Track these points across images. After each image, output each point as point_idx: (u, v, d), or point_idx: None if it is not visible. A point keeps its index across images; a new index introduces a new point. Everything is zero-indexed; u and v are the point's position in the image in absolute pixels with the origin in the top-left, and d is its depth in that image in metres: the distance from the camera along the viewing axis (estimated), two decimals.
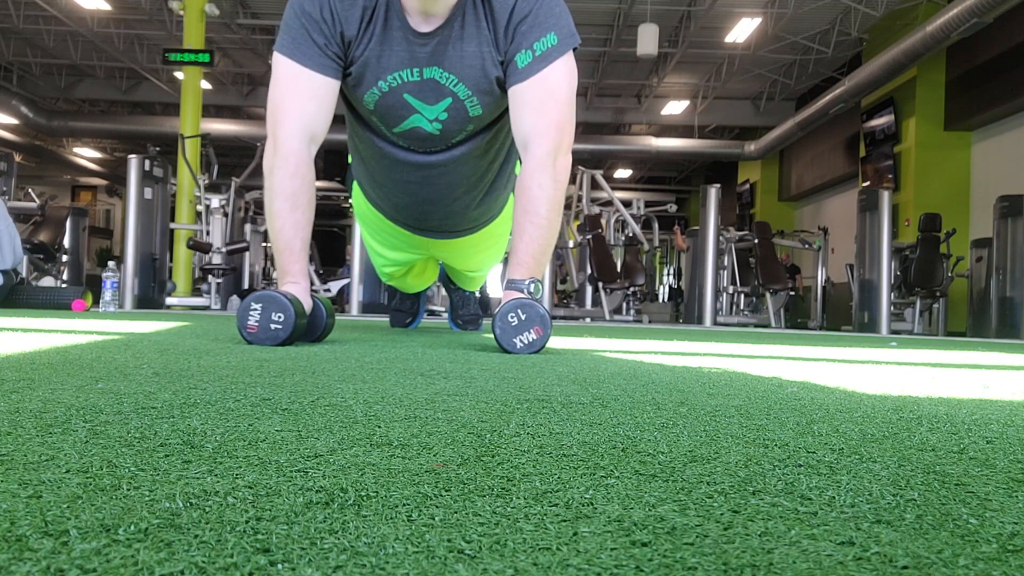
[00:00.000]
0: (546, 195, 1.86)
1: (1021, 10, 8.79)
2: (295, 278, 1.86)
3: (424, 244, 2.58)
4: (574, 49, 1.91)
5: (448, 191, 2.23)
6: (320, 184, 15.44)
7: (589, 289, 9.64)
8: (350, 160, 2.47)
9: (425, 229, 2.46)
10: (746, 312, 10.09)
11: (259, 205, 8.98)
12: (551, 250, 1.98)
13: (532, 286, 1.85)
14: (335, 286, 8.69)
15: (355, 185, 2.52)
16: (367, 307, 7.36)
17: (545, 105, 1.86)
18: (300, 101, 1.85)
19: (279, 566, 0.34)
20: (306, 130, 1.86)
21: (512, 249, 1.91)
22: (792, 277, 11.36)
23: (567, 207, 10.37)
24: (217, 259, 7.78)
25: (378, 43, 1.86)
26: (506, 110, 2.05)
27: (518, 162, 2.46)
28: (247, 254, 8.49)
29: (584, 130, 16.55)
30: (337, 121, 1.97)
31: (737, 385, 1.21)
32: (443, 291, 6.93)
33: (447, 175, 2.16)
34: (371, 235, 2.64)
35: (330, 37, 1.84)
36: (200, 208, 8.26)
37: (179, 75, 12.12)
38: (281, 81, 1.87)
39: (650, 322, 9.68)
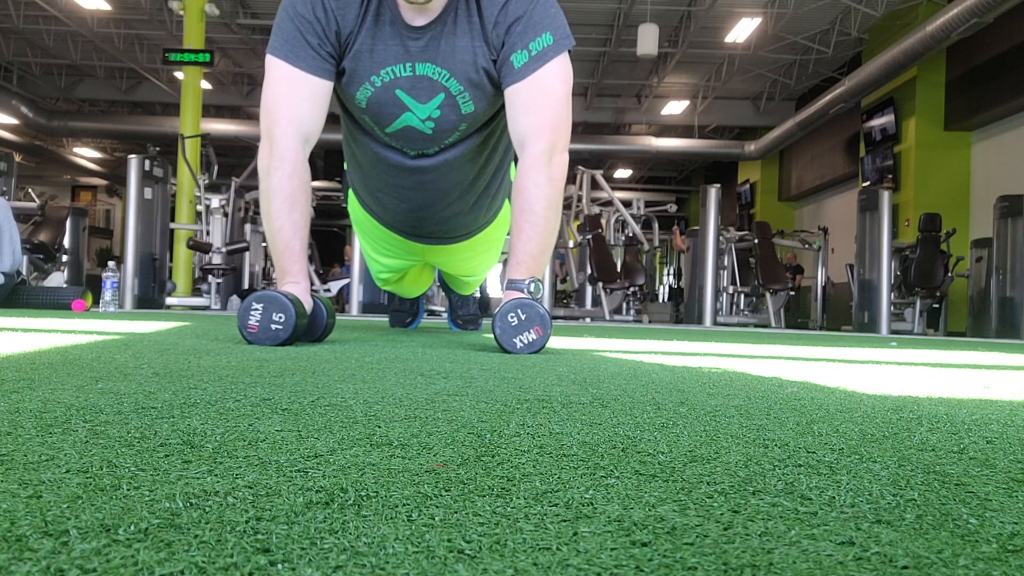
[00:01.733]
0: (542, 194, 1.86)
1: (1021, 10, 8.79)
2: (295, 278, 1.86)
3: (419, 250, 2.57)
4: (568, 51, 1.91)
5: (442, 196, 2.23)
6: (320, 184, 15.45)
7: (589, 289, 9.64)
8: (346, 167, 2.46)
9: (420, 235, 2.45)
10: (746, 312, 10.09)
11: (259, 205, 8.97)
12: (551, 249, 1.97)
13: (532, 286, 1.85)
14: (335, 286, 8.69)
15: (351, 193, 2.52)
16: (367, 307, 7.36)
17: (541, 104, 1.87)
18: (294, 102, 1.85)
19: (279, 566, 0.34)
20: (300, 131, 1.86)
21: (511, 249, 1.91)
22: (793, 277, 11.37)
23: (567, 207, 10.37)
24: (217, 259, 7.78)
25: (371, 37, 1.86)
26: (498, 112, 2.05)
27: (513, 166, 2.46)
28: (247, 254, 8.48)
29: (584, 130, 16.55)
30: (335, 121, 1.97)
31: (737, 385, 1.21)
32: (443, 291, 6.94)
33: (440, 179, 2.16)
34: (367, 242, 2.64)
35: (323, 37, 1.83)
36: (200, 208, 8.26)
37: (179, 75, 12.11)
38: (274, 83, 1.86)
39: (650, 322, 9.68)
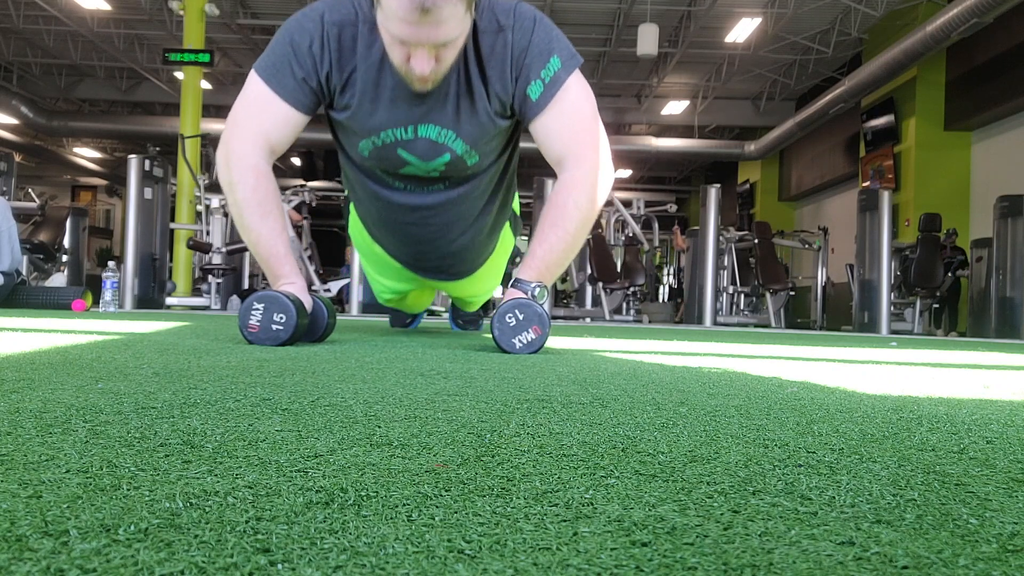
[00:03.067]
0: (581, 215, 1.84)
1: (1021, 10, 8.79)
2: (290, 278, 1.85)
3: (422, 281, 2.51)
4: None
5: (445, 231, 2.16)
6: (320, 184, 15.46)
7: (589, 289, 9.64)
8: (346, 192, 2.39)
9: (424, 269, 2.38)
10: (746, 312, 10.09)
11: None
12: (567, 264, 1.94)
13: (537, 290, 1.83)
14: (335, 286, 8.69)
15: (352, 214, 2.44)
16: (367, 307, 7.36)
17: (572, 128, 1.84)
18: (262, 122, 1.82)
19: (279, 566, 0.34)
20: (264, 146, 1.83)
21: (529, 251, 1.88)
22: None
23: None
24: (217, 259, 7.78)
25: (369, 100, 1.81)
26: (506, 147, 2.02)
27: (516, 196, 2.42)
28: (247, 254, 8.48)
29: None
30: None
31: (737, 385, 1.21)
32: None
33: (444, 214, 2.10)
34: (369, 264, 2.57)
35: (311, 73, 1.79)
36: (200, 208, 8.26)
37: (179, 75, 12.11)
38: (249, 99, 1.83)
39: (650, 322, 9.68)
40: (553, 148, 1.86)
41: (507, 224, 2.45)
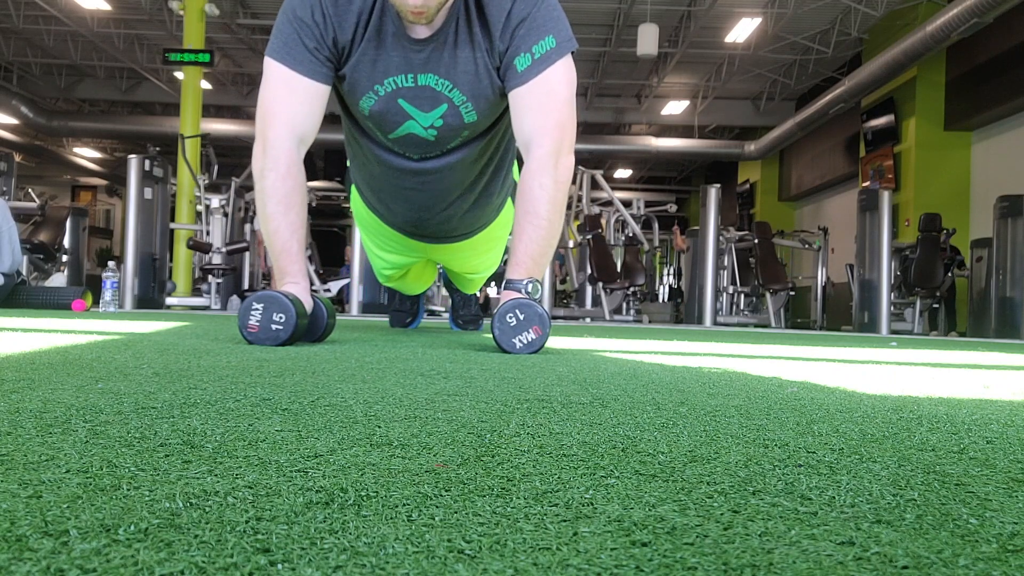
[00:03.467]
0: (547, 195, 1.86)
1: (1021, 10, 8.79)
2: (295, 278, 1.86)
3: (422, 248, 2.58)
4: (572, 53, 1.91)
5: (443, 196, 2.24)
6: (320, 184, 15.45)
7: (589, 289, 9.64)
8: (348, 164, 2.47)
9: (422, 235, 2.46)
10: (746, 312, 10.09)
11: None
12: (552, 251, 1.97)
13: (530, 286, 1.85)
14: (335, 286, 8.69)
15: (353, 189, 2.52)
16: (367, 307, 7.36)
17: (546, 107, 1.86)
18: (290, 104, 1.85)
19: (279, 566, 0.34)
20: (295, 132, 1.86)
21: (512, 249, 1.91)
22: None
23: (567, 207, 10.36)
24: (217, 259, 7.78)
25: (373, 48, 1.86)
26: (500, 116, 2.05)
27: (516, 167, 2.46)
28: (247, 254, 8.49)
29: (584, 130, 16.54)
30: (335, 121, 1.97)
31: (737, 385, 1.21)
32: (443, 291, 6.94)
33: (442, 180, 2.17)
34: (369, 238, 2.65)
35: (321, 41, 1.83)
36: (200, 208, 8.26)
37: (179, 75, 12.11)
38: (272, 85, 1.87)
39: (650, 322, 9.68)
40: (523, 123, 1.89)
41: (509, 201, 2.48)
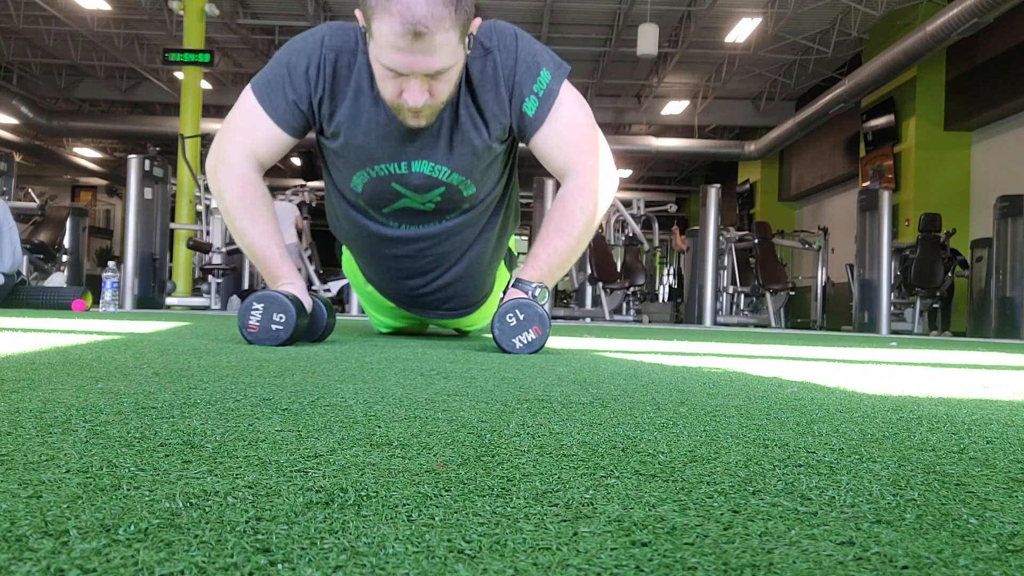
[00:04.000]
0: (586, 219, 1.85)
1: (1021, 10, 8.78)
2: (289, 279, 1.84)
3: (420, 318, 2.43)
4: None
5: (441, 260, 2.10)
6: (320, 184, 15.43)
7: (589, 289, 9.63)
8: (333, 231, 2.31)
9: (419, 307, 2.30)
10: (746, 312, 10.09)
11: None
12: (568, 268, 1.94)
13: (538, 291, 1.83)
14: (335, 286, 8.69)
15: (345, 251, 2.36)
16: None
17: (571, 139, 1.85)
18: (253, 136, 1.84)
19: (279, 566, 0.34)
20: (251, 158, 1.84)
21: (532, 252, 1.88)
22: None
23: None
24: (217, 259, 7.78)
25: (363, 133, 1.81)
26: (500, 176, 2.01)
27: (513, 236, 2.39)
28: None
29: None
30: None
31: (737, 385, 1.21)
32: None
33: (440, 245, 2.06)
34: (364, 301, 2.49)
35: (303, 96, 1.79)
36: (200, 208, 8.25)
37: (179, 75, 12.11)
38: (241, 112, 1.85)
39: (650, 322, 9.68)
40: (555, 160, 1.87)
41: (502, 264, 2.40)
